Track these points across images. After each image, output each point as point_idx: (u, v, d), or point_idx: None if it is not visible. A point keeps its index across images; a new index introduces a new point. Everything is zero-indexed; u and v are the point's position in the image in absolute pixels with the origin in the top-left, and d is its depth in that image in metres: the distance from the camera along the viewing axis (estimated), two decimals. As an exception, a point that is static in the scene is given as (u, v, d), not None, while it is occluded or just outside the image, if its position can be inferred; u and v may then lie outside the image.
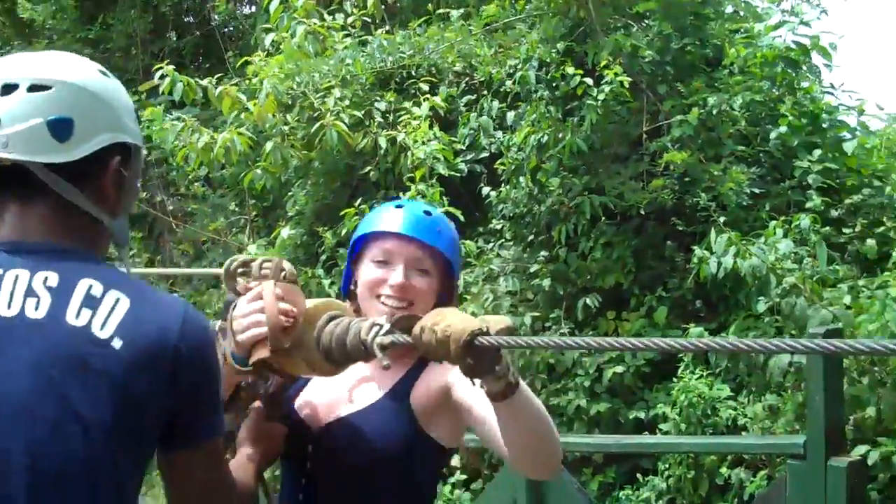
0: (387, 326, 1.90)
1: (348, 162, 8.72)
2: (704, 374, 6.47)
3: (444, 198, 7.45)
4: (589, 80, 7.37)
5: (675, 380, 6.58)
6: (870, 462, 5.01)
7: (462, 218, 7.15)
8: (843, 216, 7.12)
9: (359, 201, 7.78)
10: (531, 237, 7.95)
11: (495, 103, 8.50)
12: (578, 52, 7.76)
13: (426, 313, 2.22)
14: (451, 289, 2.40)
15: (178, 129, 8.60)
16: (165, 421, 1.69)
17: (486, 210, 8.19)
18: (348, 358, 1.97)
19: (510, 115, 8.26)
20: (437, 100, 8.47)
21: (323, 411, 2.29)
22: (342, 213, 7.99)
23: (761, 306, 6.29)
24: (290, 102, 8.75)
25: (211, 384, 1.75)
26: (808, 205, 6.86)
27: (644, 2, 7.83)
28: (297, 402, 2.36)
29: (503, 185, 7.93)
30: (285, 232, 8.97)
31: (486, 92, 8.69)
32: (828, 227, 6.68)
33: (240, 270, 2.23)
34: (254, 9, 14.25)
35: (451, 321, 1.77)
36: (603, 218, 7.48)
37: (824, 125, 7.81)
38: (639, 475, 6.68)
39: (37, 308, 1.61)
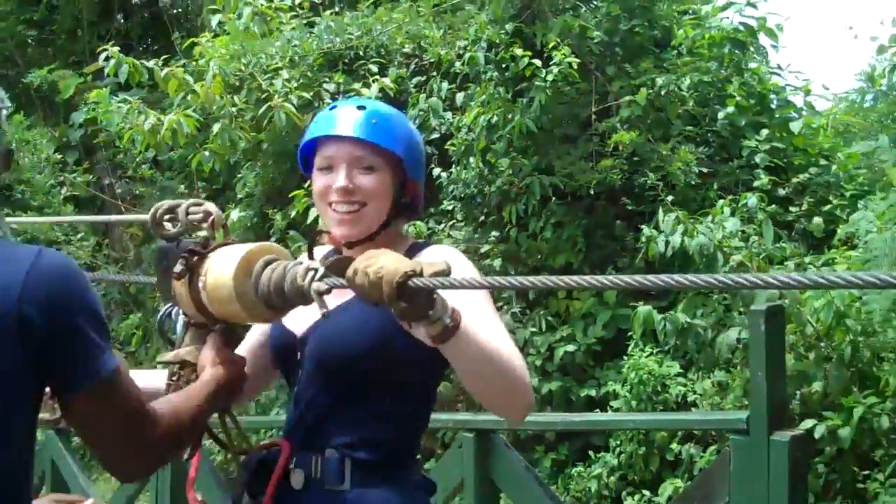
0: (322, 270, 1.85)
1: (297, 143, 8.65)
2: (654, 351, 6.52)
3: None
4: (538, 62, 7.37)
5: (625, 358, 6.63)
6: (816, 436, 5.09)
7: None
8: (791, 195, 7.20)
9: (308, 182, 7.71)
10: (482, 218, 7.95)
11: (444, 84, 8.49)
12: (527, 34, 7.76)
13: (380, 216, 2.22)
14: (407, 185, 2.27)
15: (124, 112, 8.49)
16: (40, 370, 1.68)
17: (437, 191, 8.18)
18: (288, 304, 1.93)
19: (460, 96, 8.25)
20: (387, 81, 8.44)
21: (307, 312, 2.14)
22: (292, 194, 7.94)
23: (709, 284, 6.33)
24: (237, 84, 8.67)
25: (78, 327, 1.69)
26: (756, 184, 6.93)
27: (592, -18, 7.85)
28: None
29: (453, 166, 7.93)
30: (235, 214, 8.92)
31: (435, 73, 8.68)
32: (775, 206, 6.75)
33: (166, 217, 2.17)
34: (202, -10, 14.12)
35: (383, 263, 1.75)
36: (553, 198, 7.49)
37: (771, 105, 7.90)
38: (591, 452, 6.73)
39: None
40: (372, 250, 1.83)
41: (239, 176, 9.42)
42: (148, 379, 2.23)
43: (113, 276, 10.87)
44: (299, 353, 2.27)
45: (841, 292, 5.37)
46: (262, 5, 8.89)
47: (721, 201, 6.58)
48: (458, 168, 7.86)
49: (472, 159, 7.77)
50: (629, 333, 6.71)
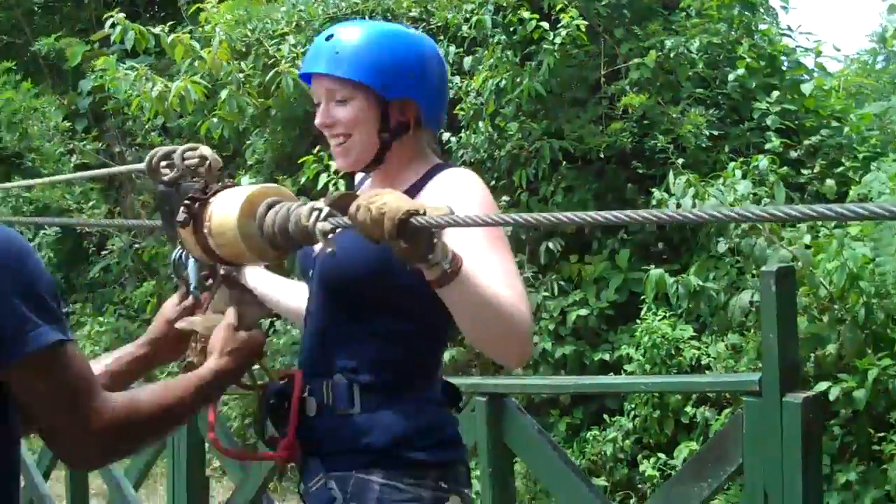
0: (326, 210, 1.84)
1: (307, 109, 8.64)
2: (667, 315, 6.52)
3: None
4: (545, 24, 7.32)
5: (638, 321, 6.63)
6: (831, 398, 5.09)
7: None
8: (802, 157, 7.17)
9: (317, 148, 7.72)
10: (492, 182, 7.92)
11: (452, 49, 8.42)
12: (535, -5, 7.71)
13: (369, 143, 2.23)
14: (391, 107, 2.22)
15: (131, 79, 8.47)
16: None
17: (446, 157, 8.15)
18: (294, 244, 1.93)
19: (467, 60, 8.19)
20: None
21: None
22: (301, 160, 7.93)
23: (721, 247, 6.34)
24: (244, 50, 8.64)
25: (4, 301, 1.66)
26: (767, 146, 6.90)
27: (600, -56, 7.77)
28: None
29: (463, 130, 7.90)
30: (245, 180, 8.89)
31: (442, 37, 8.61)
32: (786, 168, 6.72)
33: (163, 163, 2.16)
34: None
35: (386, 200, 1.74)
36: (563, 162, 7.47)
37: (782, 67, 7.85)
38: (605, 416, 6.75)
39: None
40: (377, 189, 1.83)
41: (248, 142, 9.40)
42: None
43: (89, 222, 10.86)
44: (311, 273, 2.31)
45: (854, 254, 5.36)
46: (266, -31, 8.84)
47: (732, 164, 6.54)
48: (468, 133, 7.83)
49: (481, 124, 7.74)
50: (642, 297, 6.71)
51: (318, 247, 2.17)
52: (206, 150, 2.14)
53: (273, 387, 2.26)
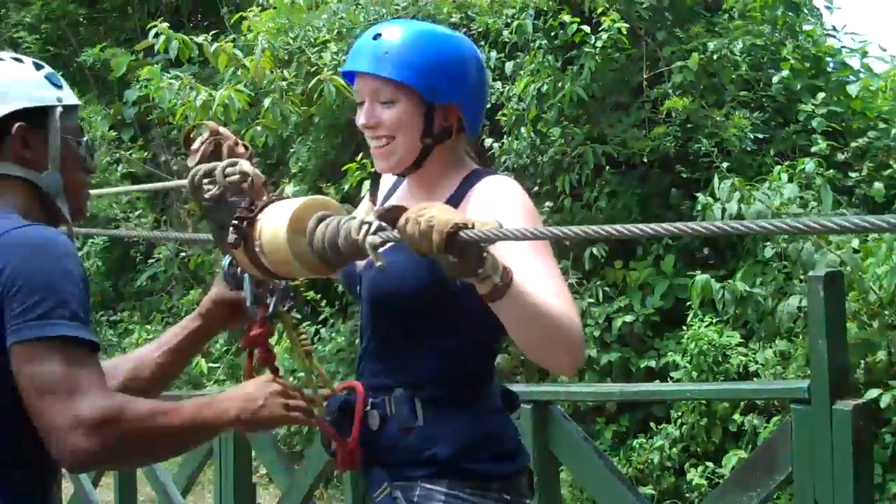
0: (375, 224, 1.83)
1: (349, 116, 8.67)
2: (714, 321, 6.46)
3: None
4: (587, 28, 7.30)
5: (684, 328, 6.58)
6: (882, 405, 5.01)
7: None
8: (850, 159, 7.08)
9: (360, 155, 7.74)
10: (535, 188, 7.90)
11: (493, 54, 8.41)
12: (575, 0, 7.67)
13: (411, 146, 2.22)
14: (436, 111, 2.21)
15: (175, 88, 8.54)
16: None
17: (489, 162, 8.15)
18: (344, 258, 1.92)
19: (509, 65, 8.18)
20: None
21: None
22: (345, 168, 7.95)
23: (768, 252, 6.28)
24: (286, 58, 8.68)
25: (24, 291, 1.84)
26: (813, 149, 6.82)
27: (641, -54, 7.73)
28: None
29: (505, 136, 7.88)
30: (289, 189, 8.94)
31: (483, 42, 8.60)
32: (833, 171, 6.64)
33: (206, 181, 2.15)
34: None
35: (435, 213, 1.73)
36: (606, 167, 7.43)
37: (827, 68, 7.75)
38: (652, 424, 6.70)
39: None
40: (425, 202, 1.81)
41: (291, 150, 9.45)
42: None
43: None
44: (359, 287, 2.31)
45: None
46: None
47: (778, 167, 6.48)
48: (510, 138, 7.81)
49: (523, 129, 7.72)
50: (688, 303, 6.66)
51: (360, 263, 2.19)
52: (246, 165, 2.12)
53: (335, 399, 2.28)
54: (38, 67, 2.16)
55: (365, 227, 1.83)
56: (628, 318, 7.03)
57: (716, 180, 6.42)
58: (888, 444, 5.27)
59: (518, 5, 8.03)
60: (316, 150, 9.19)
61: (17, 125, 2.05)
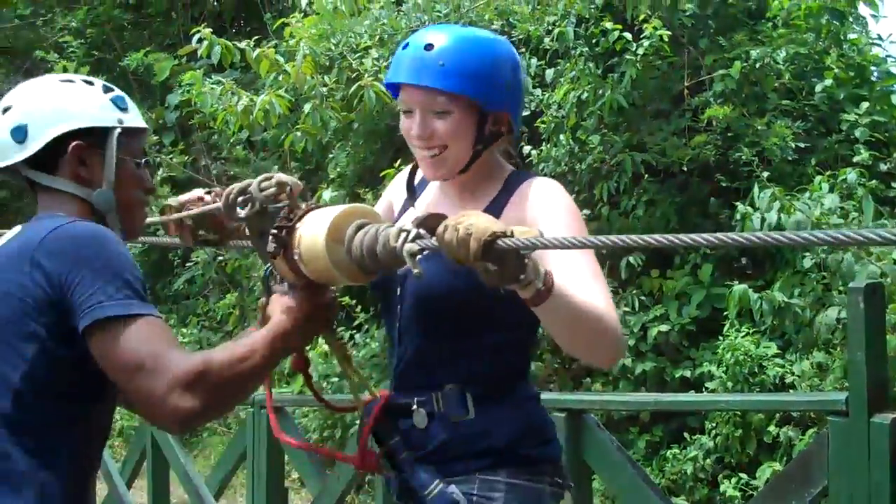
0: (414, 231, 1.82)
1: (388, 123, 8.68)
2: (751, 331, 6.40)
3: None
4: (628, 36, 7.27)
5: (720, 338, 6.52)
6: (923, 420, 4.92)
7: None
8: (893, 170, 7.02)
9: (398, 161, 7.75)
10: (573, 196, 7.85)
11: (534, 61, 8.39)
12: (617, 7, 7.64)
13: (464, 154, 2.22)
14: (488, 118, 2.21)
15: (217, 93, 8.58)
16: (53, 307, 1.95)
17: (527, 169, 8.11)
18: (382, 266, 1.92)
19: (549, 72, 8.16)
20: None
21: None
22: (383, 173, 7.96)
23: (807, 262, 6.21)
24: (328, 64, 8.71)
25: (81, 276, 1.93)
26: (856, 159, 6.76)
27: (684, -46, 7.69)
28: None
29: (544, 143, 7.86)
30: (327, 194, 8.96)
31: (524, 49, 8.59)
32: (875, 182, 6.57)
33: (240, 199, 2.15)
34: (293, -29, 14.18)
35: (474, 220, 1.73)
36: (645, 175, 7.39)
37: (872, 78, 7.68)
38: (686, 434, 6.64)
39: None
40: (465, 211, 1.81)
41: (331, 156, 9.48)
42: None
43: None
44: (399, 290, 2.30)
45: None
46: (350, -16, 8.90)
47: (819, 177, 6.42)
48: (549, 146, 7.79)
49: (562, 136, 7.69)
50: (724, 313, 6.60)
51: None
52: (283, 176, 2.11)
53: (370, 408, 2.29)
54: (107, 90, 2.27)
55: (403, 234, 1.83)
56: (664, 328, 6.99)
57: (756, 190, 6.38)
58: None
59: (560, 12, 8.02)
60: (355, 156, 9.21)
61: (73, 144, 2.16)
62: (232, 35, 11.10)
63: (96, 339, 1.90)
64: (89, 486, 2.14)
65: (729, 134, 7.25)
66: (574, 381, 7.06)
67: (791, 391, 5.94)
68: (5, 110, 2.19)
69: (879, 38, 8.10)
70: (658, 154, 7.36)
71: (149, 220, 2.39)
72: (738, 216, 6.43)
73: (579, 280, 1.99)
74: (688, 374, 6.86)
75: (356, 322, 8.46)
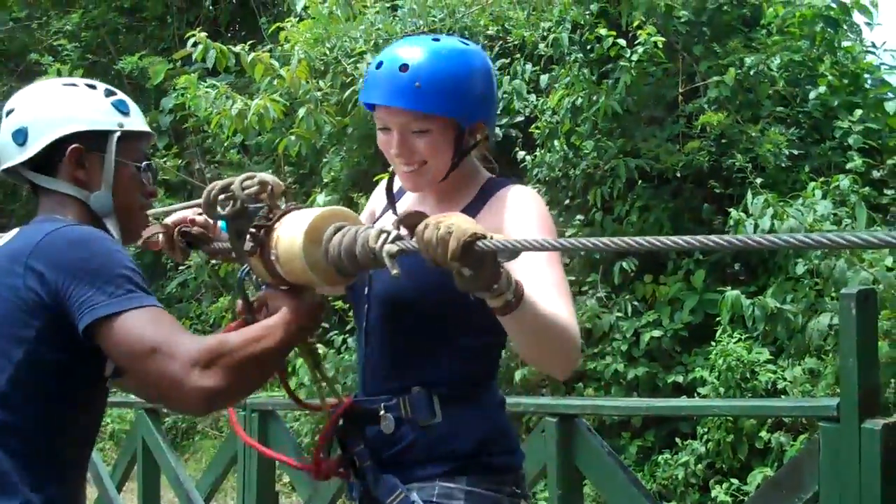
0: (394, 233, 1.83)
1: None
2: (743, 337, 6.41)
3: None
4: (623, 42, 7.28)
5: (713, 344, 6.53)
6: (914, 425, 4.92)
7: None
8: (885, 177, 7.02)
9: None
10: (567, 201, 7.88)
11: (529, 66, 8.40)
12: (612, 14, 7.66)
13: (443, 167, 2.22)
14: (465, 132, 2.21)
15: (211, 97, 8.58)
16: (46, 311, 1.95)
17: (521, 174, 8.13)
18: (360, 268, 1.91)
19: (544, 78, 8.17)
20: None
21: None
22: (377, 178, 7.95)
23: (800, 268, 6.22)
24: (322, 68, 8.71)
25: (75, 278, 1.93)
26: (849, 166, 6.77)
27: (679, -39, 7.70)
28: None
29: (538, 148, 7.86)
30: (321, 198, 8.96)
31: (519, 55, 8.60)
32: (868, 189, 6.58)
33: (221, 197, 2.14)
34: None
35: (455, 221, 1.73)
36: (639, 181, 7.40)
37: (865, 85, 7.70)
38: (678, 440, 6.64)
39: None
40: (447, 212, 1.81)
41: (325, 160, 9.47)
42: None
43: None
44: (366, 290, 2.29)
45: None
46: (346, -12, 8.91)
47: (812, 184, 6.43)
48: (543, 151, 7.79)
49: (556, 142, 7.70)
50: (717, 319, 6.60)
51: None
52: (265, 175, 2.12)
53: (337, 408, 2.27)
54: (109, 94, 2.29)
55: (383, 235, 1.83)
56: (656, 333, 7.00)
57: (749, 196, 6.38)
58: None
59: (554, 18, 8.03)
60: (349, 161, 9.21)
61: (71, 146, 2.17)
62: (227, 39, 11.09)
63: (103, 334, 1.91)
64: (78, 489, 2.14)
65: (723, 140, 7.27)
66: (566, 385, 7.06)
67: (783, 397, 5.94)
68: (9, 113, 2.23)
69: (873, 45, 8.13)
70: (652, 160, 7.37)
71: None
72: (731, 222, 6.44)
73: (544, 289, 1.99)
74: (680, 379, 6.86)
75: (349, 326, 8.45)
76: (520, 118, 8.34)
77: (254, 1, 13.31)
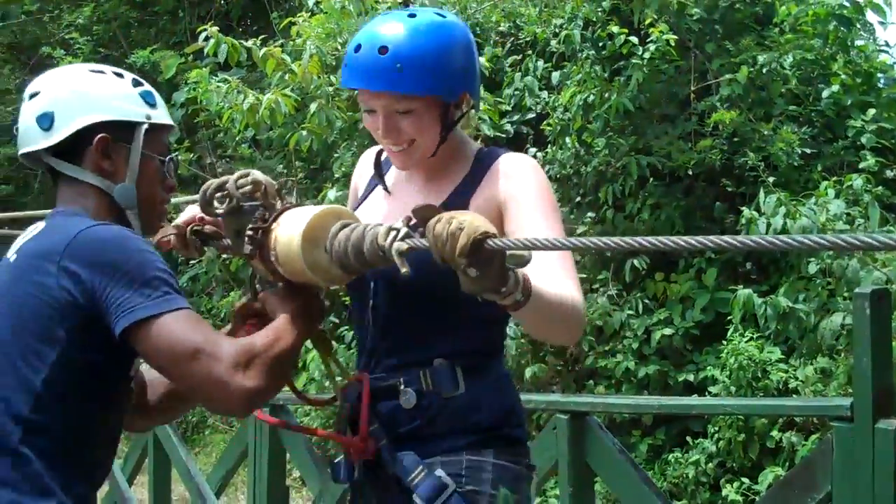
0: (404, 230, 1.81)
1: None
2: (755, 336, 6.39)
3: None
4: (635, 39, 7.27)
5: (724, 342, 6.52)
6: (929, 427, 4.90)
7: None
8: (898, 176, 7.00)
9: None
10: (578, 199, 7.88)
11: (540, 63, 8.39)
12: (624, 11, 7.64)
13: (432, 143, 2.22)
14: (451, 105, 2.22)
15: (223, 91, 8.58)
16: (80, 312, 1.94)
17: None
18: (366, 265, 1.90)
19: (556, 75, 8.16)
20: (482, 60, 8.38)
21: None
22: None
23: (812, 268, 6.21)
24: (334, 63, 8.71)
25: (108, 281, 1.92)
26: (862, 165, 6.76)
27: (692, -42, 7.69)
28: None
29: (549, 146, 7.86)
30: (332, 193, 8.95)
31: (530, 52, 8.59)
32: (881, 188, 6.58)
33: (218, 194, 2.15)
34: (301, -30, 14.16)
35: (468, 218, 1.72)
36: (650, 179, 7.39)
37: (879, 84, 7.68)
38: (689, 438, 6.64)
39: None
40: (462, 211, 1.80)
41: (336, 155, 9.47)
42: None
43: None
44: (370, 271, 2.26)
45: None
46: (357, -16, 8.89)
47: (825, 183, 6.41)
48: (554, 148, 7.79)
49: (568, 139, 7.69)
50: (729, 317, 6.59)
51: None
52: (258, 174, 2.12)
53: (351, 393, 2.26)
54: (137, 84, 2.24)
55: (393, 233, 1.82)
56: (668, 331, 6.99)
57: (761, 194, 6.37)
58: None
59: (566, 15, 8.02)
60: (360, 156, 9.18)
61: (99, 136, 2.13)
62: (238, 34, 11.08)
63: (141, 337, 1.90)
64: (98, 487, 2.14)
65: (735, 139, 7.25)
66: (577, 383, 7.06)
67: (794, 396, 5.93)
68: (32, 96, 2.18)
69: (887, 44, 8.15)
70: (664, 158, 7.36)
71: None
72: (743, 221, 6.43)
73: (549, 269, 1.99)
74: (691, 377, 6.85)
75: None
76: (531, 115, 8.33)
77: (266, -5, 13.32)
